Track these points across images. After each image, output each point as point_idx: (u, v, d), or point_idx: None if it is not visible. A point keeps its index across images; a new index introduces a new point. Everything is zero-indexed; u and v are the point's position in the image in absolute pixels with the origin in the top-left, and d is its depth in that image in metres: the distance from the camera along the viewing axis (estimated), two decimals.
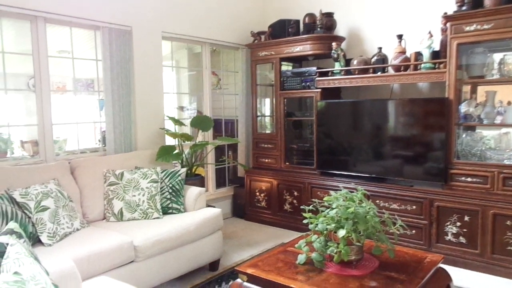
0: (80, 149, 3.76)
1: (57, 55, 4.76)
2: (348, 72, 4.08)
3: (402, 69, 3.69)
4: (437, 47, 3.62)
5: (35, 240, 2.53)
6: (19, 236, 1.56)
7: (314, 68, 4.30)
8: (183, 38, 4.37)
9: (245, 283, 2.24)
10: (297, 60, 4.85)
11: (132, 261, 2.67)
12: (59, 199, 2.78)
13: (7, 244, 1.43)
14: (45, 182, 2.85)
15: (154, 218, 3.13)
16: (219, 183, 5.07)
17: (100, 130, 7.21)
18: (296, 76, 4.45)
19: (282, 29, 4.60)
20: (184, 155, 3.91)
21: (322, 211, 2.33)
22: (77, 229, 2.83)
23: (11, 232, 1.55)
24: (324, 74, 4.25)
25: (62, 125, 3.97)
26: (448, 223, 3.37)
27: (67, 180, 3.06)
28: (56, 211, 2.70)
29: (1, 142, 4.54)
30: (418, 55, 3.68)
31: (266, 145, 4.72)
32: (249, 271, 2.26)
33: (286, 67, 4.83)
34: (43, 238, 2.54)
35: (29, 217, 2.54)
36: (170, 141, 4.30)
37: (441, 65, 3.47)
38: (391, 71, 3.86)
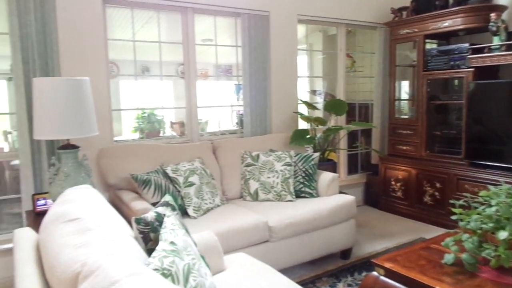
0: (220, 130, 4.02)
1: (201, 43, 5.12)
2: (510, 47, 3.48)
3: None
4: None
5: (182, 212, 2.80)
6: (173, 209, 1.72)
7: (466, 45, 3.78)
8: (318, 20, 4.28)
9: (382, 277, 2.11)
10: (444, 37, 4.34)
11: (266, 241, 2.76)
12: (203, 176, 3.02)
13: (164, 215, 1.59)
14: (191, 160, 3.12)
15: (287, 201, 3.18)
16: (350, 170, 4.91)
17: (237, 113, 7.66)
18: (443, 55, 3.98)
19: (427, 3, 4.15)
20: (316, 140, 3.87)
21: (476, 208, 2.05)
22: (218, 205, 3.05)
23: (167, 204, 1.71)
24: (479, 50, 3.70)
25: (205, 108, 4.30)
26: None
27: (210, 159, 3.31)
28: (201, 187, 2.94)
29: (155, 122, 5.09)
30: None
31: (404, 131, 4.38)
32: (387, 265, 2.12)
33: (430, 45, 4.37)
34: (189, 211, 2.79)
35: (179, 191, 2.82)
36: (302, 125, 4.30)
37: None
38: None
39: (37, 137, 2.38)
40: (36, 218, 2.63)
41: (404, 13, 4.32)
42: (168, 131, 7.17)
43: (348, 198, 3.18)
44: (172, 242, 1.32)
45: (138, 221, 1.47)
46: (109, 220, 1.39)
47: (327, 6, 4.25)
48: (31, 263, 1.24)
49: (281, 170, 3.24)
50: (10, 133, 5.60)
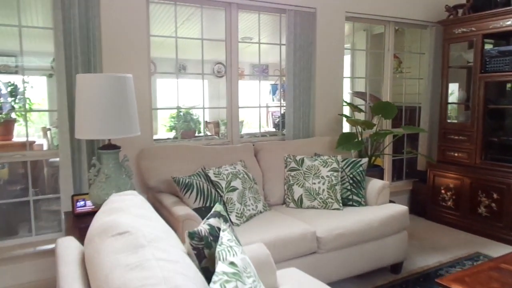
0: (261, 132, 3.85)
1: (242, 41, 4.98)
2: None
3: None
4: None
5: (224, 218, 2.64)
6: (225, 220, 1.56)
7: None
8: (366, 17, 4.04)
9: None
10: (503, 37, 4.01)
11: (313, 252, 2.57)
12: (246, 180, 2.86)
13: (218, 228, 1.43)
14: (233, 163, 2.97)
15: (333, 209, 2.97)
16: (394, 176, 4.64)
17: (272, 115, 7.49)
18: (504, 56, 3.66)
19: (486, 0, 3.84)
20: (364, 144, 3.64)
21: None
22: (260, 212, 2.88)
23: (218, 215, 1.55)
24: None
25: (241, 108, 4.15)
26: None
27: (251, 162, 3.15)
28: (243, 192, 2.78)
29: (191, 122, 4.98)
30: None
31: (456, 137, 4.07)
32: (455, 287, 1.90)
33: (488, 45, 4.04)
34: (232, 217, 2.64)
35: (221, 196, 2.67)
36: (346, 128, 4.08)
37: None
38: None
39: (79, 136, 2.28)
40: (76, 220, 2.54)
41: (460, 11, 4.02)
42: (202, 131, 7.10)
43: (400, 208, 2.94)
44: (232, 263, 1.16)
45: (192, 236, 1.32)
46: (160, 234, 1.25)
47: (376, 3, 4.01)
48: (77, 283, 1.11)
49: (327, 176, 3.04)
50: (49, 129, 5.64)
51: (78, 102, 2.27)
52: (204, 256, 1.31)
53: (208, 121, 7.20)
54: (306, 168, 3.09)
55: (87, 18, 2.77)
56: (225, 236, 1.32)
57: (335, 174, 3.05)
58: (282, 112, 7.60)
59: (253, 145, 3.32)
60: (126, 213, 1.33)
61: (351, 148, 3.33)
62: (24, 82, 3.09)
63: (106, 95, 2.22)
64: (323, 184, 3.02)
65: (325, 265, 2.61)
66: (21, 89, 5.31)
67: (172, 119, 6.41)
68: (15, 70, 6.24)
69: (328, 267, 2.62)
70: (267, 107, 7.19)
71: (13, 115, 5.13)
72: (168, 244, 1.19)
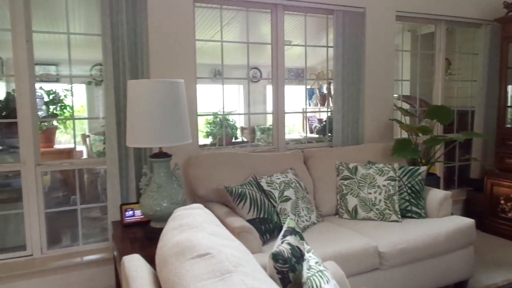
0: (307, 138, 3.70)
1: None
2: None
3: None
4: None
5: (278, 230, 2.50)
6: (301, 237, 1.42)
7: None
8: (417, 17, 3.83)
9: None
10: None
11: (375, 269, 2.39)
12: (298, 190, 2.71)
13: (298, 248, 1.29)
14: (284, 171, 2.83)
15: (391, 221, 2.78)
16: (444, 185, 4.37)
17: (308, 120, 7.31)
18: None
19: None
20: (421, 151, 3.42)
21: None
22: (314, 223, 2.72)
23: (294, 231, 1.41)
24: None
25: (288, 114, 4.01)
26: None
27: (301, 170, 2.99)
28: (297, 202, 2.63)
29: (228, 128, 4.88)
30: None
31: None
32: None
33: None
34: None
35: (274, 206, 2.53)
36: (396, 133, 3.87)
37: None
38: None
39: (130, 144, 2.19)
40: (124, 230, 2.46)
41: None
42: (238, 137, 7.00)
43: (466, 222, 2.71)
44: None
45: (276, 258, 1.18)
46: (241, 255, 1.11)
47: (428, 1, 3.79)
48: None
49: (383, 186, 2.85)
50: (88, 136, 5.67)
51: (129, 109, 2.18)
52: (289, 280, 1.17)
53: (244, 126, 7.11)
54: (360, 177, 2.91)
55: (134, 23, 2.70)
56: (312, 258, 1.18)
57: (392, 183, 2.85)
58: (319, 117, 7.44)
59: (302, 151, 3.16)
60: (200, 230, 1.21)
61: (407, 155, 3.12)
62: (70, 90, 3.05)
63: (159, 101, 2.12)
64: (380, 194, 2.83)
65: (387, 283, 2.41)
66: (62, 97, 5.36)
67: (208, 125, 6.35)
68: (56, 78, 6.34)
69: (391, 285, 2.43)
70: (315, 111, 7.03)
71: (54, 122, 5.18)
72: (253, 268, 1.06)
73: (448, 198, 2.85)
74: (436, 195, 2.87)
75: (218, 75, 6.85)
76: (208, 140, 6.26)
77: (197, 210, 1.41)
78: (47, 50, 5.86)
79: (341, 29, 3.39)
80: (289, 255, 1.20)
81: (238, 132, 6.60)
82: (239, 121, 7.61)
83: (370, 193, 2.84)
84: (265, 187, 2.56)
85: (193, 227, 1.24)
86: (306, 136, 3.75)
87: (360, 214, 2.83)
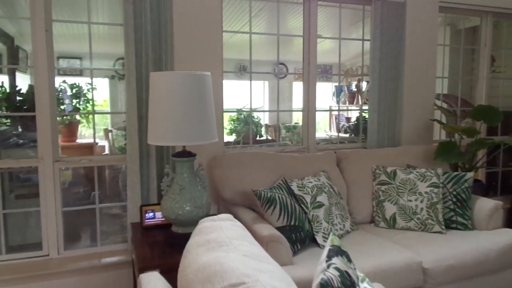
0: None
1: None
2: None
3: None
4: None
5: (310, 239, 2.28)
6: (348, 258, 1.20)
7: None
8: (461, 8, 3.52)
9: None
10: None
11: (419, 287, 2.14)
12: (332, 195, 2.49)
13: (347, 273, 1.07)
14: (316, 174, 2.60)
15: (434, 232, 2.52)
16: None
17: (335, 119, 7.04)
18: None
19: None
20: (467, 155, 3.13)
21: None
22: (348, 232, 2.49)
23: (340, 251, 1.19)
24: None
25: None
26: None
27: (334, 173, 2.76)
28: (330, 209, 2.40)
29: (253, 125, 4.66)
30: None
31: None
32: None
33: None
34: (319, 238, 2.27)
35: (305, 213, 2.31)
36: (436, 135, 3.58)
37: None
38: None
39: (152, 142, 2.01)
40: (144, 233, 2.29)
41: None
42: (263, 134, 6.79)
43: None
44: None
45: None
46: (281, 284, 0.91)
47: None
48: None
49: (426, 193, 2.59)
50: (110, 131, 5.58)
51: (151, 104, 2.00)
52: None
53: (268, 124, 6.89)
54: (399, 182, 2.66)
55: (158, 12, 2.53)
56: None
57: (435, 190, 2.59)
58: (347, 115, 7.15)
59: (335, 153, 2.93)
60: (231, 249, 1.01)
61: (452, 159, 2.84)
62: (91, 84, 2.91)
63: (184, 96, 1.93)
64: (422, 201, 2.57)
65: None
66: (85, 91, 5.27)
67: (232, 122, 6.17)
68: (79, 72, 6.29)
69: None
70: (348, 109, 6.74)
71: (77, 116, 5.10)
72: None
73: (499, 208, 2.57)
74: (485, 205, 2.58)
75: (242, 70, 6.65)
76: (231, 138, 6.09)
77: (226, 222, 1.21)
78: (71, 44, 5.80)
79: (379, 20, 3.13)
80: (338, 284, 0.98)
81: (263, 130, 6.40)
82: (263, 119, 7.41)
83: (410, 201, 2.59)
84: (296, 192, 2.34)
85: (223, 245, 1.04)
86: (338, 135, 3.50)
87: (398, 223, 2.58)
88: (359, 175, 2.80)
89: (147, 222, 2.36)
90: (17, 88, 3.81)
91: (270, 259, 1.09)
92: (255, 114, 6.11)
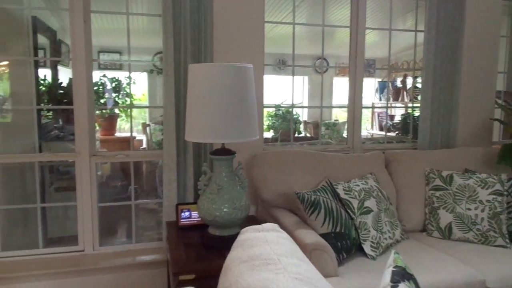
0: (387, 137, 3.23)
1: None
2: None
3: None
4: None
5: (356, 248, 2.09)
6: (415, 282, 1.01)
7: None
8: None
9: None
10: None
11: None
12: (381, 200, 2.28)
13: None
14: (363, 176, 2.40)
15: (497, 246, 2.25)
16: None
17: (377, 116, 6.72)
18: None
19: None
20: None
21: None
22: (397, 241, 2.27)
23: (405, 274, 1.00)
24: None
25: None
26: None
27: (382, 176, 2.55)
28: (379, 215, 2.20)
29: (291, 121, 4.50)
30: None
31: None
32: None
33: None
34: (366, 247, 2.07)
35: (352, 219, 2.12)
36: (495, 136, 3.27)
37: None
38: None
39: (190, 138, 1.89)
40: (179, 233, 2.19)
41: None
42: (301, 131, 6.59)
43: None
44: None
45: None
46: None
47: None
48: None
49: (488, 201, 2.32)
50: (148, 125, 5.58)
51: (190, 98, 1.88)
52: None
53: (307, 121, 6.68)
54: (456, 188, 2.41)
55: (198, 1, 2.40)
56: None
57: (499, 198, 2.32)
58: (390, 113, 6.81)
59: (384, 153, 2.71)
60: (279, 270, 0.85)
61: None
62: (129, 78, 2.84)
63: (224, 89, 1.80)
64: (482, 211, 2.31)
65: None
66: (124, 85, 5.28)
67: (270, 118, 6.02)
68: (119, 66, 6.34)
69: None
70: (393, 107, 6.44)
71: (116, 110, 5.12)
72: None
73: None
74: None
75: (282, 64, 6.47)
76: (269, 134, 5.94)
77: (271, 233, 1.06)
78: (111, 38, 5.84)
79: (435, 8, 2.86)
80: None
81: (301, 127, 6.20)
82: (302, 115, 7.19)
83: (469, 209, 2.33)
84: (342, 195, 2.15)
85: (270, 263, 0.89)
86: (386, 134, 3.27)
87: (455, 234, 2.33)
88: (410, 178, 2.56)
89: (183, 221, 2.26)
90: (59, 82, 3.84)
91: (324, 282, 0.93)
92: (293, 110, 5.93)
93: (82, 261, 2.46)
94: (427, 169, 2.55)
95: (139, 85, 6.59)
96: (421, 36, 2.97)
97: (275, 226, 1.11)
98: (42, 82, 3.81)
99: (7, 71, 2.86)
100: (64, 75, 3.98)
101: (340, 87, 7.30)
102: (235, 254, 0.99)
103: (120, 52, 6.27)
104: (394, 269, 1.02)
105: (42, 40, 3.35)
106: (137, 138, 5.78)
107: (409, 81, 5.91)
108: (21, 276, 2.33)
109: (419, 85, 3.73)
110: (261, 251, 0.94)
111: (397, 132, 4.70)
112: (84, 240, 2.52)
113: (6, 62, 2.80)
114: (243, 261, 0.93)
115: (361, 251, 2.10)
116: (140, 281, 2.54)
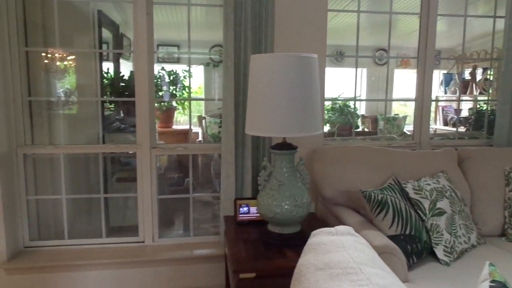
0: (458, 133, 2.98)
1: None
2: None
3: None
4: None
5: (427, 252, 1.93)
6: None
7: None
8: None
9: None
10: None
11: None
12: (455, 201, 2.09)
13: None
14: (434, 175, 2.22)
15: None
16: None
17: (443, 110, 6.31)
18: None
19: None
20: None
21: None
22: (473, 246, 2.08)
23: None
24: None
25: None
26: None
27: (454, 175, 2.34)
28: (453, 218, 2.01)
29: (349, 115, 4.33)
30: None
31: None
32: None
33: None
34: (439, 252, 1.91)
35: (423, 220, 1.96)
36: None
37: None
38: None
39: (250, 132, 1.83)
40: (238, 228, 2.14)
41: None
42: (359, 126, 6.35)
43: None
44: None
45: None
46: None
47: None
48: None
49: None
50: (204, 118, 5.63)
51: (251, 90, 1.82)
52: None
53: (365, 115, 6.43)
54: None
55: None
56: None
57: None
58: (457, 107, 6.36)
59: (456, 150, 2.50)
60: (362, 281, 0.76)
61: None
62: (187, 71, 2.83)
63: (287, 81, 1.71)
64: None
65: None
66: (181, 78, 5.36)
67: (326, 112, 5.85)
68: (177, 59, 6.46)
69: None
70: (468, 100, 6.01)
71: (173, 103, 5.21)
72: None
73: None
74: None
75: (340, 56, 6.26)
76: (325, 129, 5.79)
77: (347, 237, 0.96)
78: (170, 31, 5.95)
79: None
80: None
81: (359, 121, 5.97)
82: (360, 109, 6.93)
83: None
84: (412, 195, 2.00)
85: (350, 273, 0.80)
86: (457, 130, 3.03)
87: None
88: (486, 178, 2.34)
89: (241, 217, 2.21)
90: (121, 75, 3.95)
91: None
92: (351, 104, 5.71)
93: (143, 252, 2.50)
94: (507, 168, 2.31)
95: (196, 78, 6.68)
96: (499, 23, 2.69)
97: (350, 229, 1.01)
98: (105, 75, 3.94)
99: (73, 65, 2.97)
100: (126, 69, 4.10)
101: (401, 79, 6.94)
102: (309, 259, 0.90)
103: (178, 46, 6.38)
104: (491, 284, 0.89)
105: (105, 34, 3.45)
106: (193, 130, 5.87)
107: (479, 73, 5.48)
108: (86, 265, 2.41)
109: (490, 77, 3.41)
110: (339, 258, 0.85)
111: (466, 127, 4.35)
112: (144, 231, 2.56)
113: (73, 57, 2.91)
114: (319, 268, 0.85)
115: (432, 255, 1.94)
116: (197, 275, 2.54)
